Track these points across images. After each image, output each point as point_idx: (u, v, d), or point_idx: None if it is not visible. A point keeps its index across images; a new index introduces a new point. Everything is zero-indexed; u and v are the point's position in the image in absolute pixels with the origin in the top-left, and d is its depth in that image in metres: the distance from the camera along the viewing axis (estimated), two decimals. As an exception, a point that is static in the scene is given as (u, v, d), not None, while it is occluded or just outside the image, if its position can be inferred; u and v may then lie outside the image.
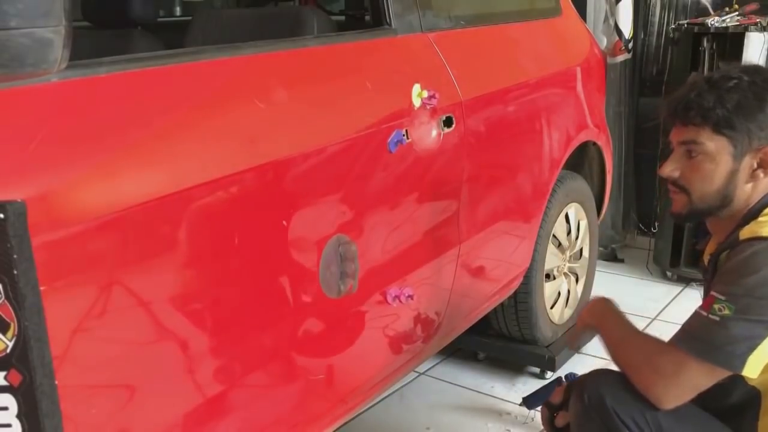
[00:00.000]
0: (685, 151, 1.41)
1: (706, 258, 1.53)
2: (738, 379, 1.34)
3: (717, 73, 1.42)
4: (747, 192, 1.40)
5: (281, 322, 1.46)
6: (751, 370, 1.27)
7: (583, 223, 2.77)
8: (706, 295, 1.38)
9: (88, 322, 1.08)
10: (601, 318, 1.52)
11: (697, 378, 1.31)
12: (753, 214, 1.38)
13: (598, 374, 1.46)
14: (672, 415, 1.33)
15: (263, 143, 1.37)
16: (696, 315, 1.33)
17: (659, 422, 1.33)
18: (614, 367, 1.45)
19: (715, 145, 1.36)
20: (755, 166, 1.38)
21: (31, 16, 0.88)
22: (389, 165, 1.67)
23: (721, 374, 1.31)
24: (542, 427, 1.77)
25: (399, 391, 2.57)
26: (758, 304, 1.26)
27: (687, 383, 1.32)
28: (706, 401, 1.36)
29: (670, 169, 1.43)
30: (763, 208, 1.38)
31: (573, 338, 1.75)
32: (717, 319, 1.28)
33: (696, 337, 1.31)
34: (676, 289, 3.40)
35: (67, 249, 1.04)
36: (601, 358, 2.75)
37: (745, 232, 1.35)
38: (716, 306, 1.29)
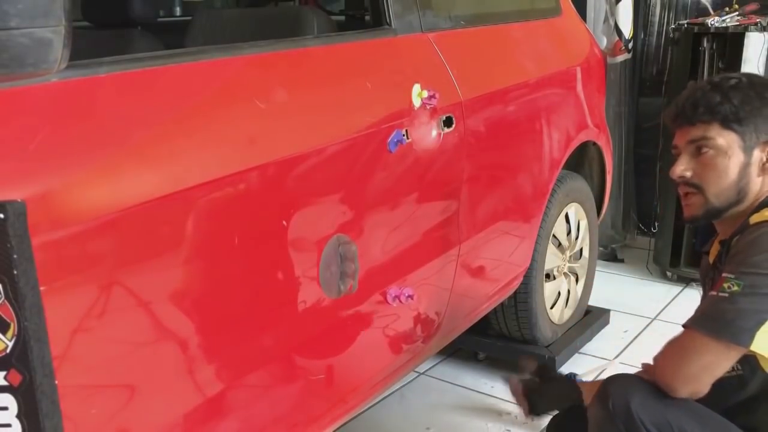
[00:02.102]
0: (694, 150, 1.43)
1: (712, 254, 1.53)
2: (755, 370, 1.35)
3: (716, 77, 1.46)
4: (758, 186, 1.42)
5: (281, 322, 1.46)
6: (759, 346, 1.27)
7: (583, 223, 2.77)
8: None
9: (87, 322, 1.08)
10: None
11: (708, 356, 1.30)
12: (761, 206, 1.40)
13: (624, 380, 1.41)
14: (697, 423, 1.32)
15: (263, 143, 1.37)
16: (709, 297, 1.34)
17: (684, 430, 1.31)
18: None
19: (725, 139, 1.40)
20: (765, 159, 1.41)
21: (31, 16, 0.88)
22: (389, 165, 1.67)
23: (732, 353, 1.30)
24: (542, 428, 1.77)
25: (399, 391, 2.57)
26: (766, 280, 1.27)
27: (697, 362, 1.31)
28: (726, 395, 1.35)
29: (681, 169, 1.44)
30: None
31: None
32: (726, 295, 1.29)
33: (706, 315, 1.32)
34: (676, 289, 3.40)
35: (67, 249, 1.04)
36: (601, 358, 2.75)
37: (755, 218, 1.37)
38: (725, 284, 1.30)
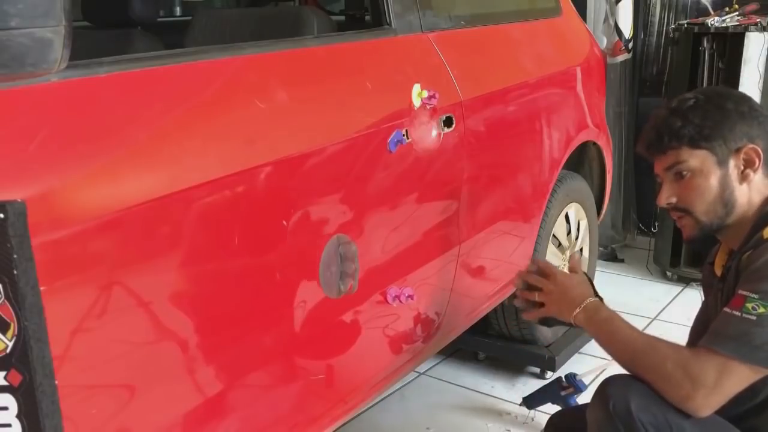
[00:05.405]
0: (673, 176, 1.46)
1: (718, 265, 1.53)
2: (766, 379, 1.34)
3: (674, 101, 1.48)
4: (745, 193, 1.43)
5: (281, 322, 1.46)
6: None
7: (583, 223, 2.77)
8: (726, 298, 1.38)
9: (88, 322, 1.08)
10: (603, 324, 1.46)
11: (739, 381, 1.30)
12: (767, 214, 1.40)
13: (624, 381, 1.40)
14: (698, 425, 1.31)
15: (263, 143, 1.37)
16: (727, 316, 1.31)
17: None
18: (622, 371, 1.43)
19: (698, 159, 1.42)
20: (742, 166, 1.42)
21: (31, 16, 0.88)
22: (389, 165, 1.67)
23: (759, 374, 1.30)
24: (542, 428, 1.77)
25: (399, 391, 2.57)
26: None
27: (728, 388, 1.30)
28: (735, 404, 1.34)
29: (665, 197, 1.47)
30: None
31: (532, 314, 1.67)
32: (753, 318, 1.27)
33: (734, 338, 1.29)
34: (676, 289, 3.40)
35: (67, 249, 1.04)
36: (601, 357, 2.75)
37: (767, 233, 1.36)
38: (749, 305, 1.28)
